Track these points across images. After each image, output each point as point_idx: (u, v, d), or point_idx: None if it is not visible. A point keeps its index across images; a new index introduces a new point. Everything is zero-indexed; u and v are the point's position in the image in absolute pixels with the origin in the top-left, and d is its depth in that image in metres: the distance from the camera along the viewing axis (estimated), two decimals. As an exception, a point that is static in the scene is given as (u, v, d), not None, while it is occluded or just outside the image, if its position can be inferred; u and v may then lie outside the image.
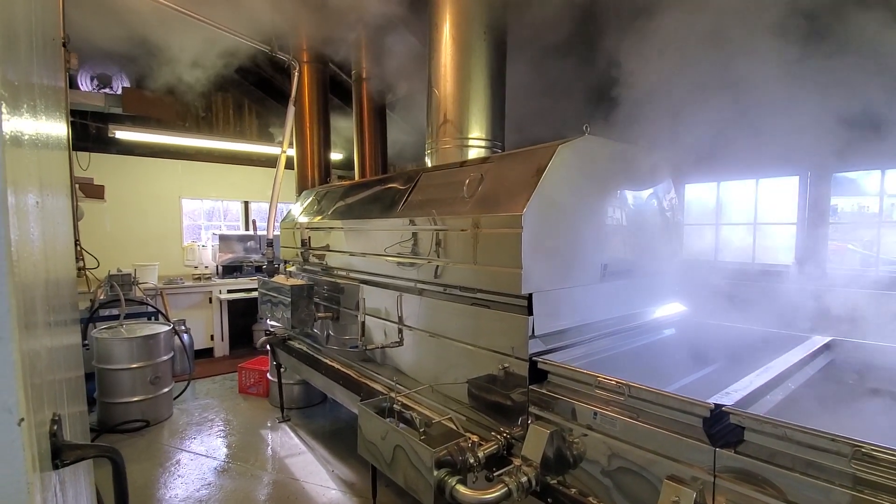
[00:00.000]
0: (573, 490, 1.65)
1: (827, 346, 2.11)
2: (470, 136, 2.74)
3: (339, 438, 3.94)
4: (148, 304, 4.93)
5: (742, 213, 4.47)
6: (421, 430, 1.77)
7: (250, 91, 6.90)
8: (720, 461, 1.32)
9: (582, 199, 2.11)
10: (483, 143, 2.74)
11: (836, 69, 2.19)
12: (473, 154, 2.73)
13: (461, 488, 1.58)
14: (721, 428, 1.37)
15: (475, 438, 1.81)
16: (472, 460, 1.69)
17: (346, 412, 4.18)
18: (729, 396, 1.43)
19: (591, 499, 1.60)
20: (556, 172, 1.96)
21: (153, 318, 4.91)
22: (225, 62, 4.47)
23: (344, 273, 3.25)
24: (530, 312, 1.88)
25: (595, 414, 1.61)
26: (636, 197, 2.46)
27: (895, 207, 3.75)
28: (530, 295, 1.87)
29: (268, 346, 4.27)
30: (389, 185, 3.00)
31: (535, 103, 3.77)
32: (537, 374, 1.85)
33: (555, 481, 1.69)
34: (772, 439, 1.26)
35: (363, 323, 2.93)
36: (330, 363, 3.34)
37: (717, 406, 1.35)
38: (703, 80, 2.43)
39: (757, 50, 2.33)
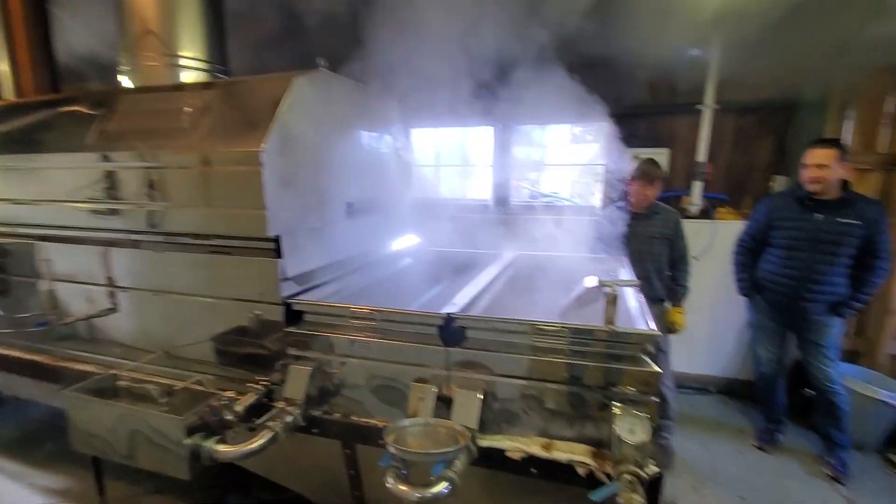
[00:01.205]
0: (337, 415, 1.77)
1: (514, 259, 2.78)
2: (183, 54, 2.29)
3: (34, 444, 3.05)
4: None
5: (456, 156, 5.26)
6: (162, 402, 1.55)
7: None
8: (452, 357, 1.63)
9: (323, 136, 2.09)
10: (202, 66, 2.35)
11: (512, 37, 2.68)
12: (189, 77, 2.31)
13: (220, 447, 1.49)
14: (450, 332, 1.67)
15: (230, 394, 1.70)
16: (229, 417, 1.60)
17: (43, 409, 3.24)
18: (455, 306, 1.75)
19: (353, 417, 1.75)
20: (293, 106, 1.87)
21: None
22: None
23: (5, 229, 2.37)
24: (279, 255, 1.81)
25: (352, 342, 1.73)
26: (373, 137, 2.59)
27: (551, 154, 5.06)
28: (278, 237, 1.80)
29: None
30: (70, 110, 2.27)
31: (262, 30, 3.41)
32: (293, 316, 1.84)
33: (319, 412, 1.77)
34: (485, 332, 1.63)
35: (51, 292, 2.26)
36: (3, 352, 2.47)
37: (448, 315, 1.65)
38: (424, 32, 2.64)
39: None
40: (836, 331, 2.99)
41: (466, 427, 1.49)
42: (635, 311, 1.78)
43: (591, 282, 1.68)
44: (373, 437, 1.64)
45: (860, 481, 3.00)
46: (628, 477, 1.29)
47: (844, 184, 2.84)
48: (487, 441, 1.54)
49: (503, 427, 1.59)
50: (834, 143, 2.85)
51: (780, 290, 3.03)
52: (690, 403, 3.97)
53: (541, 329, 1.57)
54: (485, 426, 1.57)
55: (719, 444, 3.41)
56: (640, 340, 1.50)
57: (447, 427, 1.47)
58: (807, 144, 2.94)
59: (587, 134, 4.94)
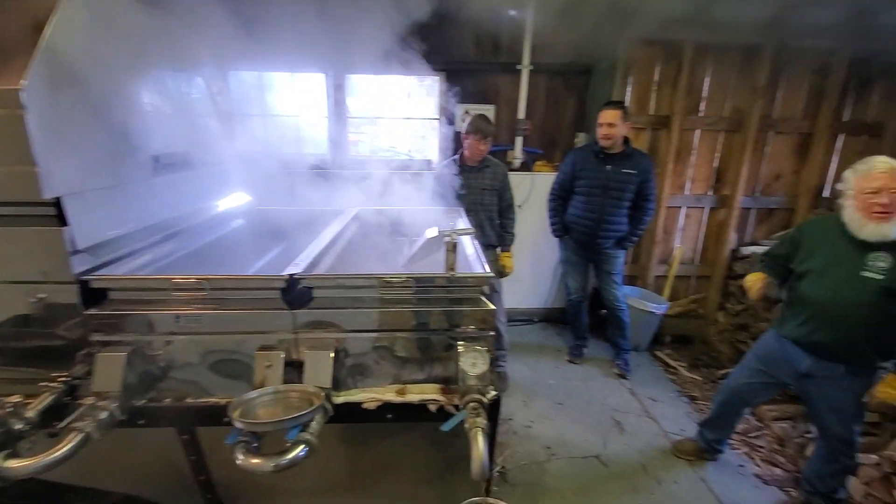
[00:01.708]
0: (167, 400, 1.57)
1: (356, 215, 2.74)
2: None
3: None
4: None
5: (287, 106, 4.83)
6: None
7: None
8: (298, 319, 1.56)
9: (110, 73, 1.70)
10: None
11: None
12: None
13: (11, 463, 1.20)
14: (295, 293, 1.60)
15: (16, 399, 1.37)
16: (18, 425, 1.29)
17: None
18: (298, 266, 1.66)
19: (189, 399, 1.58)
20: (65, 32, 1.47)
21: None
22: None
23: None
24: (64, 222, 1.46)
25: (177, 317, 1.53)
26: (180, 79, 2.21)
27: (387, 109, 5.01)
28: (59, 199, 1.44)
29: None
30: None
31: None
32: (93, 296, 1.54)
33: (144, 401, 1.55)
34: (332, 290, 1.60)
35: None
36: None
37: (291, 276, 1.56)
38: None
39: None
40: (621, 261, 3.72)
41: (320, 387, 1.47)
42: (472, 257, 1.93)
43: (431, 232, 1.76)
44: (216, 416, 1.50)
45: (637, 374, 3.90)
46: (473, 405, 1.44)
47: (626, 140, 3.45)
48: (343, 397, 1.55)
49: (357, 380, 1.61)
50: (619, 104, 3.41)
51: (582, 231, 3.62)
52: (518, 333, 4.58)
53: (387, 281, 1.59)
54: (339, 383, 1.57)
55: (542, 364, 4.03)
56: (477, 283, 1.64)
57: (299, 391, 1.43)
58: (600, 105, 3.46)
59: (421, 89, 5.00)
